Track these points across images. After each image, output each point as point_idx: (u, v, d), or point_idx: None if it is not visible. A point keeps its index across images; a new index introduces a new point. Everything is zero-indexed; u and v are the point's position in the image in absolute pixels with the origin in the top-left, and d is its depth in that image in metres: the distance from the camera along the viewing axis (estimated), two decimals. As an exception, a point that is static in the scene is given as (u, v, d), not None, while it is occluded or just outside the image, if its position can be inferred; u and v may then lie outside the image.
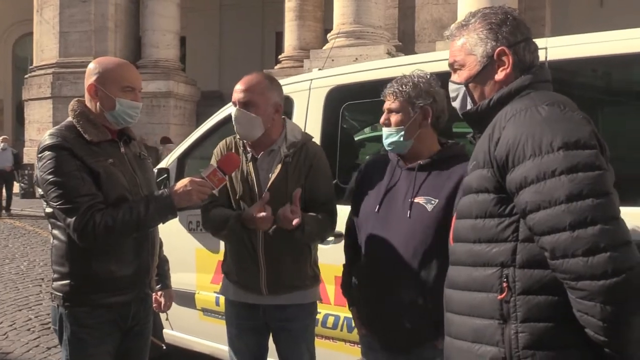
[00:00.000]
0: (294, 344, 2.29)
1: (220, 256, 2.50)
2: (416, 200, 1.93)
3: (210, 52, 20.88)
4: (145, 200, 1.95)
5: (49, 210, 1.98)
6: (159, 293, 2.36)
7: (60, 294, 1.97)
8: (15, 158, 13.46)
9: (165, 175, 3.53)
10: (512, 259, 1.29)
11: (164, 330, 3.64)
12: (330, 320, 2.84)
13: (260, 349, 2.36)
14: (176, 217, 2.03)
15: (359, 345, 2.21)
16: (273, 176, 2.19)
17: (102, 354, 2.01)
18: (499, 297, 1.29)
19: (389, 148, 2.03)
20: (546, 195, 1.19)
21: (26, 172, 15.63)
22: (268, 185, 2.18)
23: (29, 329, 4.67)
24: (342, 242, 2.28)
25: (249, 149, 2.26)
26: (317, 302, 2.37)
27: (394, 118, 2.00)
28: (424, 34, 13.25)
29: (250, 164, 2.24)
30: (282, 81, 2.57)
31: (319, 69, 3.45)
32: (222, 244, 2.60)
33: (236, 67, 16.01)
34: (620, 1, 14.00)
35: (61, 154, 1.88)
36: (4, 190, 12.99)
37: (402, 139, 1.98)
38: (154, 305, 2.33)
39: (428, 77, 2.02)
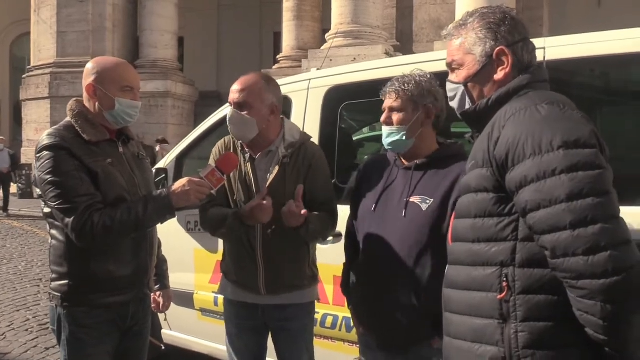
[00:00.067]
0: (293, 344, 2.29)
1: (219, 256, 2.50)
2: (411, 199, 1.93)
3: (208, 53, 20.88)
4: (143, 200, 1.94)
5: (47, 210, 1.97)
6: (158, 293, 2.36)
7: (59, 294, 1.97)
8: (12, 159, 13.42)
9: (164, 175, 3.53)
10: (512, 258, 1.29)
11: (163, 331, 3.64)
12: (329, 320, 2.84)
13: (259, 348, 2.36)
14: (174, 217, 2.03)
15: (358, 345, 2.21)
16: (271, 177, 2.18)
17: (100, 354, 2.00)
18: (499, 296, 1.29)
19: (389, 147, 2.02)
20: (546, 194, 1.19)
21: (24, 172, 15.60)
22: (266, 186, 2.17)
23: (27, 330, 4.66)
24: (341, 242, 2.29)
25: (247, 149, 2.26)
26: (316, 301, 2.37)
27: (396, 117, 1.98)
28: (422, 34, 13.26)
29: (249, 165, 2.23)
30: (280, 81, 2.57)
31: (317, 69, 3.45)
32: (220, 243, 2.60)
33: (234, 67, 15.99)
34: (618, 1, 14.04)
35: (59, 154, 1.88)
36: (0, 191, 12.96)
37: (404, 137, 1.97)
38: (153, 305, 2.33)
39: (429, 76, 2.02)
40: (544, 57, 2.23)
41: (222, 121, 3.28)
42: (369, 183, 2.09)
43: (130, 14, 16.76)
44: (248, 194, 2.21)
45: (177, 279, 2.91)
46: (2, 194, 12.96)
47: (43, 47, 16.64)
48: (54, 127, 1.99)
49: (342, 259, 2.25)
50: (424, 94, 1.96)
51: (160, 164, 3.71)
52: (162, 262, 2.38)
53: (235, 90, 2.19)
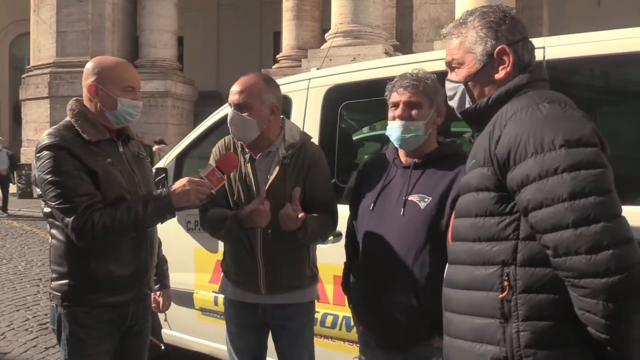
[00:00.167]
0: (294, 343, 2.29)
1: (219, 256, 2.50)
2: (410, 198, 1.93)
3: (208, 52, 20.87)
4: (143, 199, 1.94)
5: (47, 210, 1.97)
6: (158, 293, 2.36)
7: (59, 294, 1.97)
8: (10, 159, 13.38)
9: (164, 174, 3.53)
10: (513, 257, 1.29)
11: (163, 330, 3.64)
12: (329, 319, 2.84)
13: (260, 347, 2.36)
14: (174, 216, 2.03)
15: (358, 344, 2.21)
16: (271, 177, 2.18)
17: (100, 353, 2.00)
18: (500, 295, 1.29)
19: (401, 143, 1.97)
20: (548, 192, 1.19)
21: (23, 172, 15.60)
22: (266, 187, 2.17)
23: (26, 329, 4.66)
24: (341, 242, 2.29)
25: (247, 149, 2.26)
26: (316, 301, 2.37)
27: (416, 111, 1.95)
28: (422, 34, 13.26)
29: (249, 165, 2.23)
30: (280, 81, 2.57)
31: (317, 69, 3.45)
32: (220, 243, 2.60)
33: (234, 67, 16.01)
34: (617, 1, 14.04)
35: (59, 154, 1.88)
36: (-1, 192, 12.96)
37: (421, 133, 1.95)
38: (153, 305, 2.33)
39: (434, 76, 2.01)
40: (544, 57, 2.23)
41: (222, 121, 3.28)
42: (368, 182, 2.09)
43: (129, 13, 16.76)
44: (248, 195, 2.21)
45: (177, 279, 2.91)
46: (1, 194, 12.94)
47: (42, 46, 16.64)
48: (54, 126, 1.99)
49: (342, 258, 2.25)
50: (438, 92, 1.95)
51: (160, 164, 3.71)
52: (163, 262, 2.38)
53: (234, 92, 2.18)
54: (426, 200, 1.90)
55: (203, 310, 3.44)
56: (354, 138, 3.58)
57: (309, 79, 3.12)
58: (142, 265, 2.06)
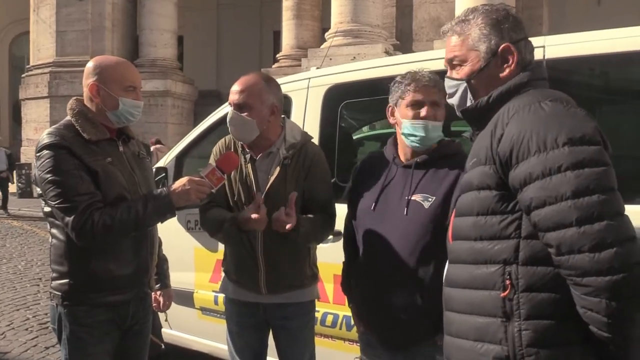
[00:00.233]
0: (294, 342, 2.29)
1: (219, 255, 2.50)
2: (413, 197, 1.93)
3: (207, 51, 20.86)
4: (143, 199, 1.94)
5: (47, 209, 1.98)
6: (159, 292, 2.36)
7: (59, 293, 1.97)
8: (9, 159, 13.32)
9: (164, 174, 3.53)
10: (515, 256, 1.28)
11: (163, 329, 3.64)
12: (329, 318, 2.84)
13: (260, 346, 2.36)
14: (175, 216, 2.03)
15: (358, 344, 2.21)
16: (272, 178, 2.18)
17: (101, 353, 2.00)
18: (502, 294, 1.28)
19: (421, 143, 1.94)
20: (552, 191, 1.19)
21: (23, 171, 15.59)
22: (267, 187, 2.17)
23: (26, 329, 4.66)
24: (341, 241, 2.28)
25: (247, 150, 2.25)
26: (316, 300, 2.37)
27: (439, 112, 1.93)
28: (422, 33, 13.25)
29: (249, 165, 2.22)
30: (280, 80, 2.57)
31: (317, 68, 3.45)
32: (221, 243, 2.60)
33: (234, 66, 16.01)
34: (617, 0, 14.02)
35: (59, 153, 1.88)
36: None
37: (441, 133, 1.94)
38: (154, 304, 2.33)
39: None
40: (544, 56, 2.23)
41: (222, 120, 3.28)
42: (367, 181, 2.08)
43: (129, 13, 16.75)
44: (248, 195, 2.20)
45: (177, 278, 2.91)
46: (1, 194, 12.93)
47: (42, 46, 16.63)
48: (54, 126, 1.99)
49: (342, 257, 2.25)
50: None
51: (160, 163, 3.71)
52: (163, 261, 2.38)
53: (235, 91, 2.17)
54: (430, 200, 1.90)
55: (203, 310, 3.44)
56: (354, 137, 3.58)
57: (309, 78, 3.12)
58: (142, 264, 2.06)
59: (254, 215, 2.04)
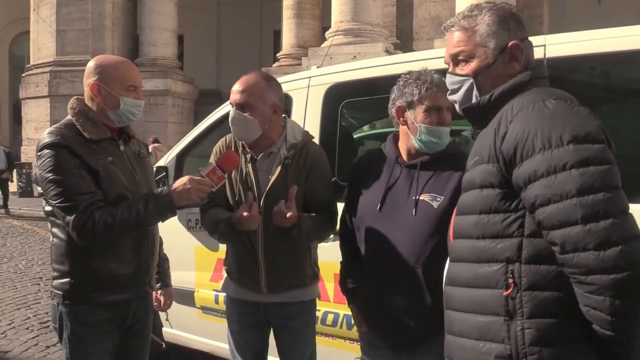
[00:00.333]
0: (295, 341, 2.29)
1: (219, 254, 2.50)
2: (421, 197, 1.91)
3: (208, 51, 20.85)
4: (144, 198, 1.94)
5: (48, 208, 1.98)
6: (159, 291, 2.36)
7: (60, 292, 1.97)
8: (8, 158, 13.24)
9: (164, 173, 3.53)
10: (518, 254, 1.28)
11: (164, 329, 3.64)
12: (330, 317, 2.84)
13: (261, 345, 2.36)
14: (175, 215, 2.03)
15: (359, 343, 2.21)
16: (272, 178, 2.17)
17: (101, 352, 2.01)
18: (505, 293, 1.28)
19: (437, 148, 1.93)
20: (557, 188, 1.19)
21: (24, 170, 15.58)
22: (267, 187, 2.17)
23: (27, 328, 4.66)
24: (342, 240, 2.27)
25: (248, 149, 2.25)
26: (317, 299, 2.37)
27: (449, 116, 1.93)
28: (422, 32, 13.25)
29: (250, 165, 2.22)
30: (280, 79, 2.57)
31: (318, 67, 3.45)
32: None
33: (234, 65, 16.03)
34: (617, -1, 14.02)
35: (60, 152, 1.88)
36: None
37: (450, 137, 1.95)
38: (154, 303, 2.33)
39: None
40: (544, 55, 2.23)
41: (222, 119, 3.29)
42: (366, 180, 2.06)
43: (129, 12, 16.74)
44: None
45: (178, 277, 2.91)
46: (1, 194, 12.92)
47: (42, 45, 16.62)
48: (55, 125, 1.99)
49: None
50: None
51: (161, 162, 3.71)
52: (164, 261, 2.38)
53: (236, 91, 2.17)
54: (439, 199, 1.89)
55: (204, 309, 3.44)
56: (355, 136, 3.58)
57: (310, 78, 3.12)
58: (143, 263, 2.07)
59: (245, 213, 2.04)
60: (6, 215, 12.40)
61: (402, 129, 2.01)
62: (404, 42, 13.21)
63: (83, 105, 2.02)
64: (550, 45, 2.29)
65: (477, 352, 1.32)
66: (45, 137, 1.92)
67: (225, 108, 3.25)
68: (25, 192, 15.57)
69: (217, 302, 3.27)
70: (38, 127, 15.76)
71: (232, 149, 2.26)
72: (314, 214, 2.18)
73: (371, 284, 2.03)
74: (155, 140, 12.11)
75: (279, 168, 2.18)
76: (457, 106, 1.53)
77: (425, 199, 1.91)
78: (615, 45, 2.20)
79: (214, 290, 3.29)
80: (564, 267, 1.20)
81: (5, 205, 12.81)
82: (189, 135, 3.68)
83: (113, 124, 2.03)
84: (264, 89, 2.16)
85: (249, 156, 2.24)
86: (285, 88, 2.52)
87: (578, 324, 1.22)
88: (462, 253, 1.40)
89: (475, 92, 1.46)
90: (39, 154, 1.93)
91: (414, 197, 1.92)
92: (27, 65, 17.91)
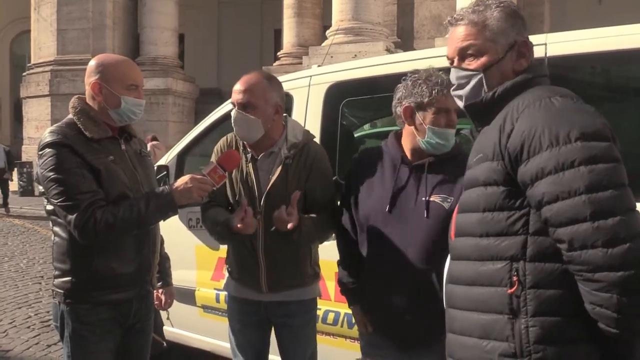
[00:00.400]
0: (296, 340, 2.30)
1: (220, 253, 2.51)
2: (432, 198, 1.90)
3: (208, 50, 20.85)
4: (145, 197, 1.95)
5: (49, 207, 1.98)
6: (160, 290, 2.36)
7: (62, 291, 1.98)
8: (8, 156, 13.21)
9: (165, 172, 3.54)
10: (523, 252, 1.27)
11: (165, 327, 3.64)
12: (331, 316, 2.84)
13: (262, 343, 2.36)
14: (176, 214, 2.03)
15: (359, 342, 2.21)
16: (273, 178, 2.17)
17: (103, 351, 2.01)
18: (509, 291, 1.27)
19: (444, 150, 1.92)
20: (565, 186, 1.18)
21: (25, 169, 15.58)
22: (268, 187, 2.17)
23: (28, 327, 4.67)
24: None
25: (249, 149, 2.24)
26: (317, 298, 2.37)
27: (456, 118, 1.92)
28: (423, 31, 13.25)
29: (250, 165, 2.22)
30: (281, 78, 2.57)
31: (318, 66, 3.45)
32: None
33: (235, 64, 16.00)
34: (618, -2, 13.99)
35: (62, 151, 1.88)
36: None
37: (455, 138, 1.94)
38: (155, 302, 2.33)
39: None
40: (545, 53, 2.23)
41: (223, 118, 3.29)
42: (369, 178, 2.04)
43: (130, 11, 16.74)
44: (249, 196, 2.19)
45: (179, 276, 2.91)
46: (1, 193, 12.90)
47: (43, 44, 16.63)
48: (56, 124, 1.99)
49: (343, 256, 2.24)
50: None
51: (162, 161, 3.72)
52: (165, 260, 2.38)
53: (238, 91, 2.16)
54: (449, 200, 1.88)
55: (205, 308, 3.44)
56: (356, 135, 3.58)
57: (310, 76, 3.12)
58: (144, 262, 2.07)
59: (239, 225, 2.04)
60: (6, 214, 12.40)
61: (408, 129, 1.98)
62: (404, 41, 13.21)
63: (84, 104, 2.03)
64: (551, 44, 2.29)
65: (480, 350, 1.32)
66: (47, 136, 1.93)
67: (226, 107, 3.26)
68: (26, 191, 15.58)
69: (218, 300, 3.27)
70: (39, 126, 15.77)
71: (233, 148, 2.26)
72: (314, 215, 2.17)
73: (375, 284, 2.01)
74: (154, 138, 12.11)
75: (280, 168, 2.18)
76: (461, 102, 1.50)
77: (436, 200, 1.89)
78: (615, 44, 2.20)
79: (214, 289, 3.29)
80: (570, 265, 1.20)
81: (5, 204, 12.80)
82: (190, 134, 3.68)
83: (114, 123, 2.03)
84: (265, 88, 2.16)
85: (249, 156, 2.23)
86: (286, 87, 2.52)
87: (583, 322, 1.21)
88: (464, 251, 1.39)
89: (484, 87, 1.44)
90: (40, 153, 1.93)
91: (423, 198, 1.90)
92: (28, 64, 17.92)
